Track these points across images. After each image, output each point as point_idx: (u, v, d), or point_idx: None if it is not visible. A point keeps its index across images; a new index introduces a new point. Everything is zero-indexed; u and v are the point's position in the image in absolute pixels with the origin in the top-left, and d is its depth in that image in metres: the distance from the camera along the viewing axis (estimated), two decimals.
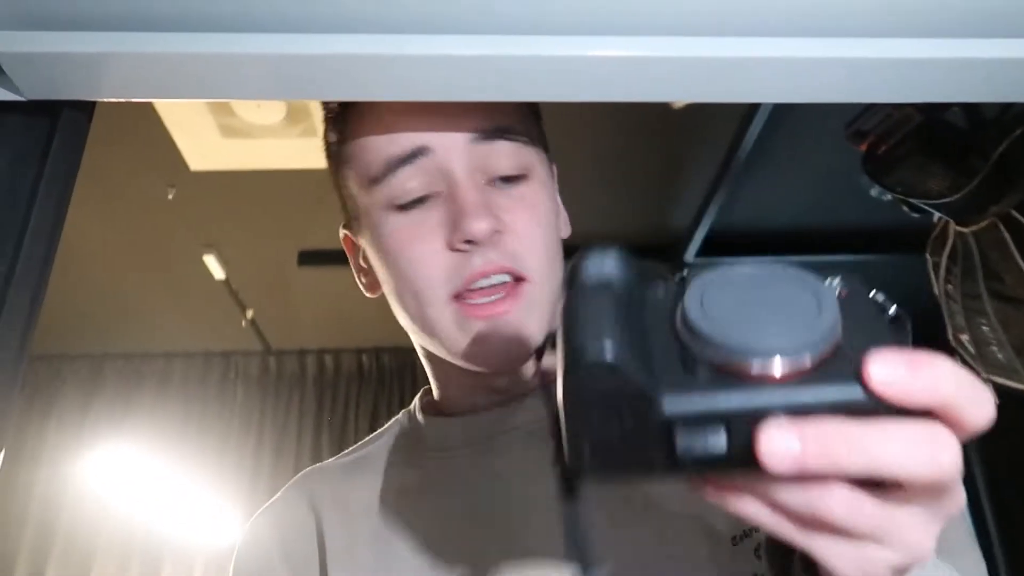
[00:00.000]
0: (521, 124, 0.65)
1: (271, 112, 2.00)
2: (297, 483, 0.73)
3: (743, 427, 0.30)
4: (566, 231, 0.71)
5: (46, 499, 2.97)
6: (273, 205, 2.41)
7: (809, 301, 0.32)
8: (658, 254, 2.61)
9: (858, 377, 0.30)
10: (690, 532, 0.56)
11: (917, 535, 0.32)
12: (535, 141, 0.66)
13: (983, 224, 1.52)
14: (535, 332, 0.62)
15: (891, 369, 0.29)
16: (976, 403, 0.30)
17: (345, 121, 0.66)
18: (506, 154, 0.62)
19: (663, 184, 2.38)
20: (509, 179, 0.63)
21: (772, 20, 0.61)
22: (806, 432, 0.29)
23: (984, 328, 1.56)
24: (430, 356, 0.70)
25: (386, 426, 0.75)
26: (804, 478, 0.30)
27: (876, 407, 0.30)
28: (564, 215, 0.72)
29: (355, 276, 0.72)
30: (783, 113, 1.95)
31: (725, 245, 2.55)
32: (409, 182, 0.61)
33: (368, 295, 0.71)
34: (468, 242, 0.59)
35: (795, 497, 0.31)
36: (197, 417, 3.17)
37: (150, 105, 1.91)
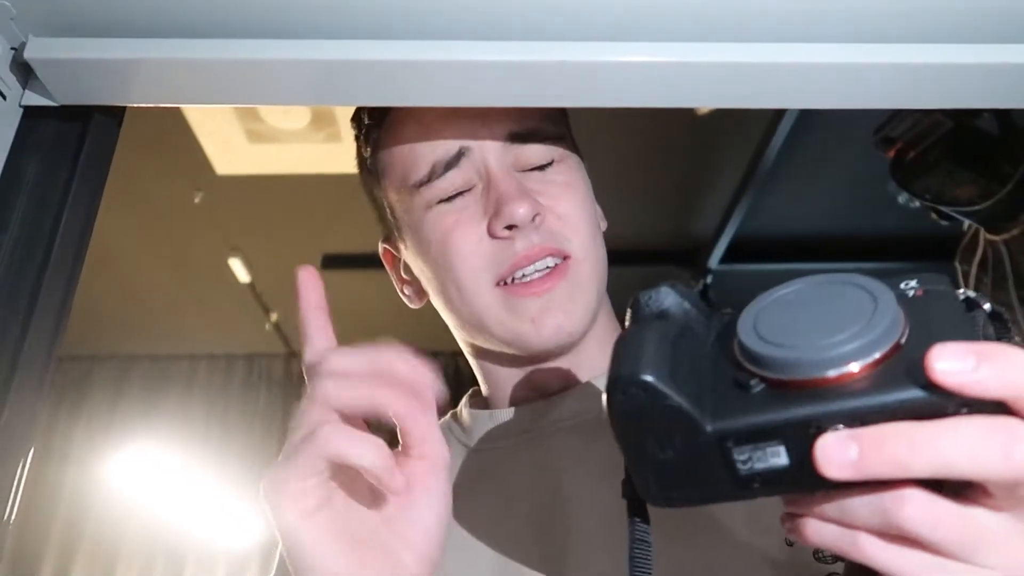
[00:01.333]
0: (552, 127, 0.66)
1: (297, 117, 2.01)
2: None
3: (802, 439, 0.30)
4: (603, 224, 0.72)
5: (73, 498, 3.01)
6: (298, 209, 2.43)
7: (865, 305, 0.31)
8: (682, 260, 2.59)
9: (919, 375, 0.28)
10: (743, 558, 0.53)
11: (1009, 548, 0.29)
12: (565, 141, 0.68)
13: (1015, 232, 1.49)
14: (582, 308, 0.63)
15: (956, 361, 0.27)
16: None
17: (381, 131, 0.68)
18: (538, 153, 0.65)
19: (687, 190, 2.37)
20: (542, 167, 0.65)
21: (798, 25, 0.61)
22: (863, 436, 0.28)
23: (1016, 339, 1.53)
24: (478, 352, 0.70)
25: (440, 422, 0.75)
26: (873, 485, 0.28)
27: (941, 404, 0.28)
28: (599, 209, 0.72)
29: (398, 290, 0.73)
30: (809, 119, 1.93)
31: (749, 252, 2.53)
32: (456, 186, 0.63)
33: (413, 306, 0.72)
34: (509, 228, 0.60)
35: (867, 508, 0.29)
36: (220, 418, 3.20)
37: (178, 110, 1.94)
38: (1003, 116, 1.43)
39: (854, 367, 0.30)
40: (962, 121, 1.43)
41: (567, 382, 0.67)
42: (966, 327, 0.31)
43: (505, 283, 0.62)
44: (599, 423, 0.63)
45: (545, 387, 0.67)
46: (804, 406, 0.30)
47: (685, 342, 0.35)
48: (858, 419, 0.29)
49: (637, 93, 0.63)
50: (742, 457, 0.31)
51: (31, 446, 0.57)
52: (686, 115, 1.94)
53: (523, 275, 0.61)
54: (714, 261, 2.52)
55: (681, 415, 0.31)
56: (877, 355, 0.30)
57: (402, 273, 0.72)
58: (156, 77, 0.61)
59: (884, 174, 1.55)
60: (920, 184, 1.50)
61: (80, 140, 0.63)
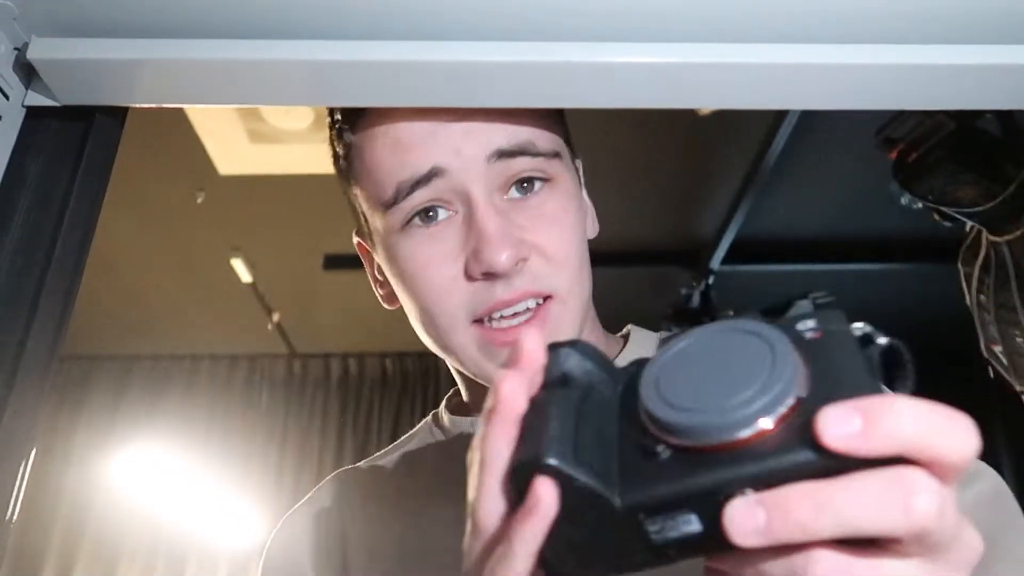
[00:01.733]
0: (543, 138, 0.60)
1: (299, 118, 2.02)
2: (328, 484, 0.74)
3: (711, 506, 0.29)
4: (593, 230, 0.68)
5: (75, 498, 3.01)
6: (300, 209, 2.43)
7: (763, 359, 0.30)
8: (684, 261, 2.59)
9: (813, 438, 0.28)
10: None
11: None
12: (559, 151, 0.62)
13: (1017, 233, 1.49)
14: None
15: (842, 426, 0.27)
16: (951, 436, 0.28)
17: (354, 136, 0.62)
18: (527, 167, 0.59)
19: (690, 191, 2.37)
20: (528, 184, 0.59)
21: (800, 26, 0.61)
22: (768, 501, 0.28)
23: (1018, 339, 1.53)
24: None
25: (415, 429, 0.75)
26: (785, 549, 0.28)
27: (840, 464, 0.27)
28: (592, 212, 0.68)
29: (372, 286, 0.70)
30: (811, 120, 1.93)
31: (751, 253, 2.53)
32: (423, 204, 0.57)
33: (386, 307, 0.69)
34: (489, 274, 0.56)
35: (781, 568, 0.29)
36: (222, 419, 3.20)
37: (180, 111, 1.94)
38: (1006, 117, 1.43)
39: (753, 429, 0.29)
40: (964, 122, 1.43)
41: None
42: (862, 372, 0.30)
43: (481, 321, 0.58)
44: None
45: None
46: (711, 472, 0.29)
47: (589, 407, 0.34)
48: (763, 482, 0.28)
49: (639, 94, 0.63)
50: (655, 528, 0.30)
51: (33, 446, 0.57)
52: (688, 116, 1.94)
53: (500, 316, 0.57)
54: (716, 262, 2.52)
55: (589, 493, 0.31)
56: (777, 414, 0.29)
57: (376, 273, 0.68)
58: (158, 77, 0.61)
59: (886, 175, 1.55)
60: (922, 185, 1.50)
61: (82, 140, 0.63)
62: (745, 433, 0.29)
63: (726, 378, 0.31)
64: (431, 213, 0.58)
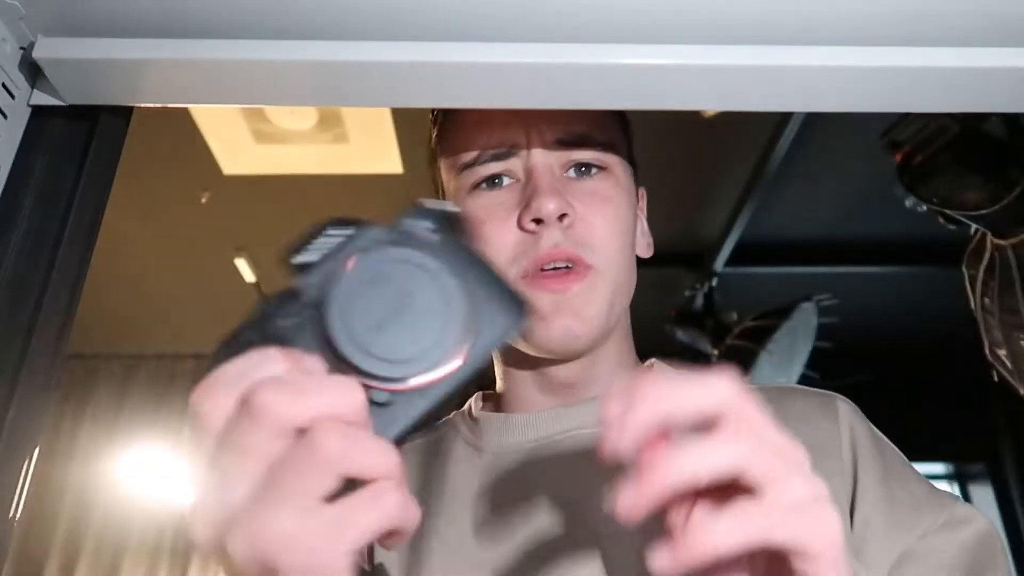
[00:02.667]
0: (602, 133, 0.68)
1: (303, 118, 2.02)
2: None
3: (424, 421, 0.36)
4: (646, 251, 0.74)
5: (79, 497, 3.02)
6: (304, 210, 2.43)
7: (437, 300, 0.36)
8: (688, 263, 2.59)
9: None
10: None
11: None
12: (615, 144, 0.69)
13: (1022, 236, 1.48)
14: (595, 315, 0.63)
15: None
16: None
17: (446, 115, 0.71)
18: (585, 156, 0.66)
19: (693, 193, 2.37)
20: (586, 169, 0.66)
21: (805, 28, 0.60)
22: None
23: (1022, 343, 1.52)
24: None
25: (447, 417, 0.75)
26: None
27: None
28: (649, 238, 0.75)
29: None
30: (815, 122, 1.93)
31: (755, 255, 2.52)
32: (494, 172, 0.66)
33: None
34: (537, 221, 0.62)
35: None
36: None
37: (185, 111, 1.95)
38: (1011, 120, 1.43)
39: (448, 368, 0.36)
40: (969, 125, 1.43)
41: (580, 394, 0.67)
42: (489, 275, 0.38)
43: (528, 276, 0.63)
44: None
45: (562, 394, 0.68)
46: (420, 405, 0.36)
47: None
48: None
49: (644, 95, 0.63)
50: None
51: (37, 445, 0.57)
52: (692, 118, 1.93)
53: (542, 269, 0.63)
54: (720, 264, 2.52)
55: None
56: (463, 352, 0.36)
57: None
58: (164, 77, 0.61)
59: (891, 178, 1.55)
60: (927, 188, 1.50)
61: (88, 140, 0.64)
62: (441, 372, 0.36)
63: (410, 323, 0.36)
64: (497, 180, 0.66)
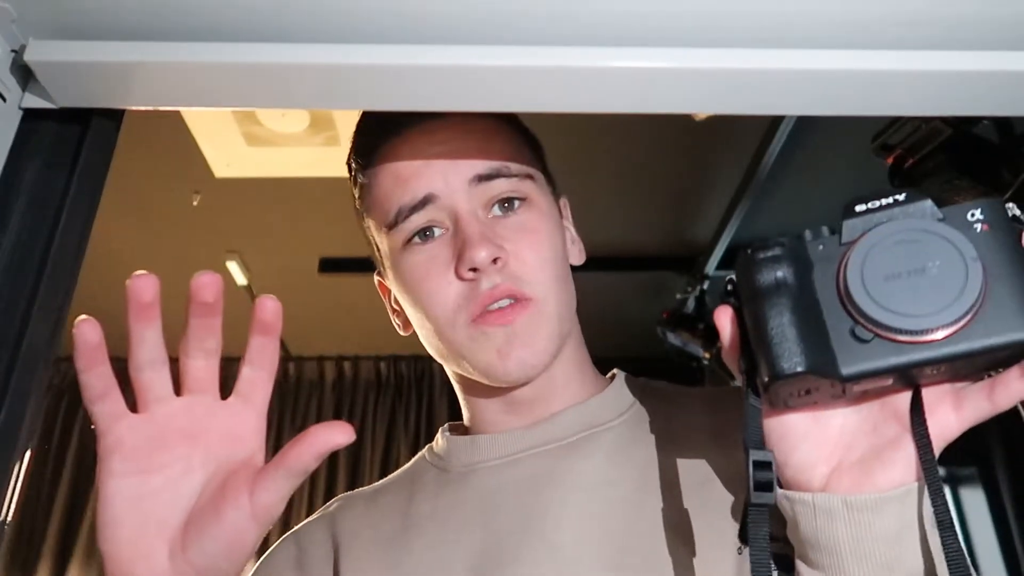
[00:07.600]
0: (516, 163, 0.70)
1: (295, 121, 2.02)
2: (326, 509, 0.77)
3: (908, 377, 0.44)
4: (579, 258, 0.77)
5: (71, 498, 3.00)
6: (296, 213, 2.43)
7: (958, 272, 0.41)
8: (679, 266, 2.60)
9: (994, 327, 0.41)
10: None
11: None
12: (534, 176, 0.72)
13: None
14: (544, 342, 0.67)
15: None
16: None
17: (364, 177, 0.73)
18: (504, 188, 0.69)
19: (685, 196, 2.37)
20: (509, 204, 0.68)
21: (797, 31, 0.61)
22: None
23: None
24: (460, 380, 0.75)
25: (413, 459, 0.79)
26: None
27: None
28: (579, 244, 0.78)
29: (391, 318, 0.79)
30: (807, 125, 1.94)
31: None
32: (420, 226, 0.68)
33: (402, 334, 0.78)
34: (473, 270, 0.65)
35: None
36: None
37: (177, 113, 1.94)
38: (1003, 123, 1.44)
39: (946, 331, 0.41)
40: (961, 128, 1.43)
41: (542, 409, 0.71)
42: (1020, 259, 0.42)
43: (475, 319, 0.66)
44: (573, 447, 0.68)
45: (522, 413, 0.71)
46: (914, 354, 0.42)
47: (802, 304, 0.45)
48: (945, 363, 0.42)
49: (636, 99, 0.63)
50: (859, 387, 0.44)
51: (27, 448, 0.57)
52: (684, 121, 1.94)
53: (488, 309, 0.66)
54: (711, 267, 2.52)
55: (827, 379, 0.43)
56: (964, 321, 0.41)
57: (393, 304, 0.78)
58: (155, 80, 0.61)
59: (882, 181, 1.55)
60: (919, 191, 1.50)
61: (79, 142, 0.63)
62: (940, 335, 0.41)
63: (926, 284, 0.42)
64: (427, 232, 0.68)
